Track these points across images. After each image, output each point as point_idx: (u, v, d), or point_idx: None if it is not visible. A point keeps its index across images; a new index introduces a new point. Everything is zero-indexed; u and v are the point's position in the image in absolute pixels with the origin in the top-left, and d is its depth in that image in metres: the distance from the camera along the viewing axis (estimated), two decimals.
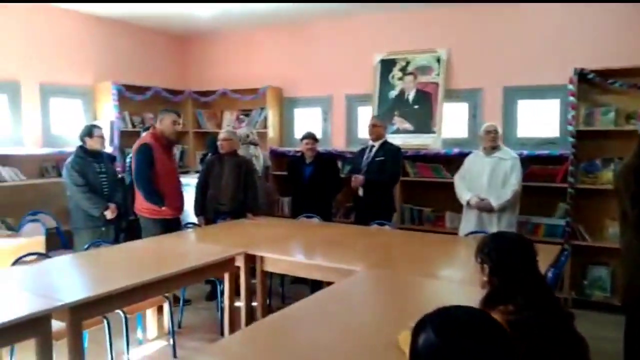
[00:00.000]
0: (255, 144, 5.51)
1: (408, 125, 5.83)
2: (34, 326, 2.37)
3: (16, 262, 3.22)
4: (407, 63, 5.86)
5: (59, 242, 5.03)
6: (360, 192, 4.82)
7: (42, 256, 3.40)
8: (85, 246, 3.77)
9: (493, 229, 4.20)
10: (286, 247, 3.71)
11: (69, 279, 3.07)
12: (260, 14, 5.98)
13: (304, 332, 2.24)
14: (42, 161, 5.40)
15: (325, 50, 6.32)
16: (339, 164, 6.04)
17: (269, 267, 3.57)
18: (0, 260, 3.57)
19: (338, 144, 6.30)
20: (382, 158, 4.80)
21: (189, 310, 4.51)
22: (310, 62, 6.43)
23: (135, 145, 4.56)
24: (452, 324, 1.01)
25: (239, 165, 4.81)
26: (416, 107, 5.80)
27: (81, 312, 2.58)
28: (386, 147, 4.89)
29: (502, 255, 1.86)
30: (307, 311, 2.50)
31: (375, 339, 2.05)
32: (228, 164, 4.76)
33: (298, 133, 6.47)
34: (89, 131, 4.49)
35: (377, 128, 4.91)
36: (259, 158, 5.49)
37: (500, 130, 4.53)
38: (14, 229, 4.74)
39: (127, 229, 4.93)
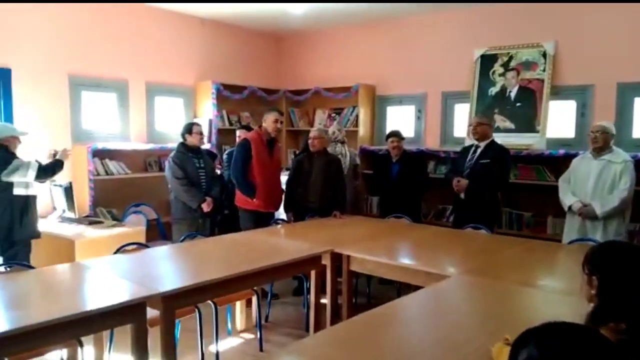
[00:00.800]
0: (342, 142, 5.48)
1: (509, 124, 5.50)
2: (130, 312, 2.49)
3: (118, 250, 3.41)
4: (510, 58, 5.53)
5: (158, 233, 5.32)
6: (462, 195, 4.60)
7: (141, 246, 3.59)
8: (182, 238, 3.93)
9: (598, 237, 3.83)
10: (373, 247, 3.62)
11: (165, 268, 3.21)
12: (354, 11, 5.93)
13: (392, 335, 2.14)
14: (146, 156, 5.75)
15: (420, 46, 6.14)
16: (432, 164, 5.85)
17: (356, 267, 3.50)
18: (106, 248, 3.83)
19: (431, 142, 6.09)
20: (488, 161, 4.46)
21: (276, 305, 4.56)
22: (404, 59, 6.28)
23: (239, 140, 4.80)
24: (558, 343, 0.88)
25: (329, 163, 4.80)
26: (518, 104, 5.46)
27: (174, 301, 2.67)
28: (493, 148, 4.55)
29: (613, 267, 1.65)
30: (395, 314, 2.41)
31: (468, 349, 1.90)
32: (318, 162, 4.76)
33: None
34: (189, 128, 4.72)
35: (483, 127, 4.58)
36: (346, 156, 5.45)
37: (612, 130, 4.10)
38: (119, 219, 5.08)
39: (222, 222, 5.12)
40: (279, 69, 7.40)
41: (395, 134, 5.11)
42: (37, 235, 4.05)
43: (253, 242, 3.80)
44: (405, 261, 3.31)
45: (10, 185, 3.86)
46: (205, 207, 4.62)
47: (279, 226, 4.54)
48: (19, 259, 3.75)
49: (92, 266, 2.99)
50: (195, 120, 5.52)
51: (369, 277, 4.67)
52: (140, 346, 2.56)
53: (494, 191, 4.58)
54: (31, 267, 3.15)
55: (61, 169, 4.16)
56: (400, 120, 6.35)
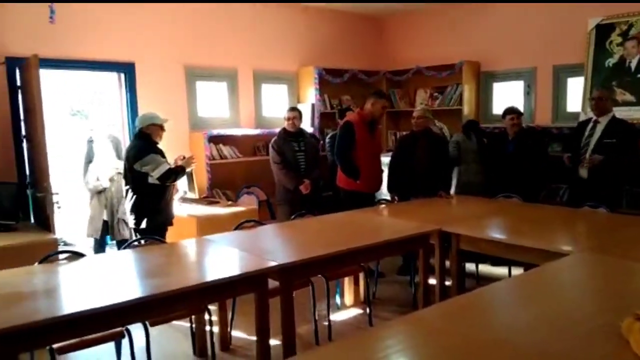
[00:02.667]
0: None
1: (629, 97, 5.10)
2: (254, 282, 2.70)
3: (237, 227, 3.67)
4: (630, 26, 5.10)
5: (267, 212, 5.61)
6: (584, 173, 4.35)
7: (257, 223, 3.82)
8: (292, 217, 4.11)
9: None
10: (484, 226, 3.56)
11: (281, 244, 3.41)
12: None
13: (507, 310, 2.13)
14: (255, 141, 6.05)
15: (529, 19, 5.84)
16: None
17: (465, 246, 3.46)
18: (223, 225, 4.16)
19: (542, 119, 5.80)
20: (614, 141, 4.19)
21: (383, 283, 4.63)
22: (512, 32, 6.01)
23: (341, 123, 4.88)
24: None
25: (433, 143, 4.76)
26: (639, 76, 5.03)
27: (291, 274, 2.84)
28: (619, 127, 4.27)
29: None
30: (510, 292, 2.38)
31: (591, 324, 1.85)
32: (422, 142, 4.74)
33: (496, 108, 6.14)
34: (286, 113, 4.93)
35: (603, 102, 4.31)
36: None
37: None
38: (233, 200, 5.42)
39: (323, 204, 5.25)
40: (379, 50, 7.38)
41: (514, 111, 4.92)
42: (170, 222, 4.16)
43: (359, 221, 3.89)
44: (519, 239, 3.21)
45: (146, 174, 3.96)
46: (303, 189, 4.79)
47: (383, 206, 4.59)
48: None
49: (216, 241, 3.26)
50: (296, 106, 5.72)
51: (477, 260, 4.59)
52: (262, 314, 2.76)
53: (621, 170, 4.30)
54: (164, 242, 3.49)
55: (183, 175, 4.21)
56: (508, 96, 6.10)
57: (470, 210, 4.21)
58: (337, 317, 3.96)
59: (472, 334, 1.84)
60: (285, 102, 6.41)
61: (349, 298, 4.22)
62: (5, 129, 4.52)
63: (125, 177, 4.11)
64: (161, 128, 4.13)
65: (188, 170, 4.28)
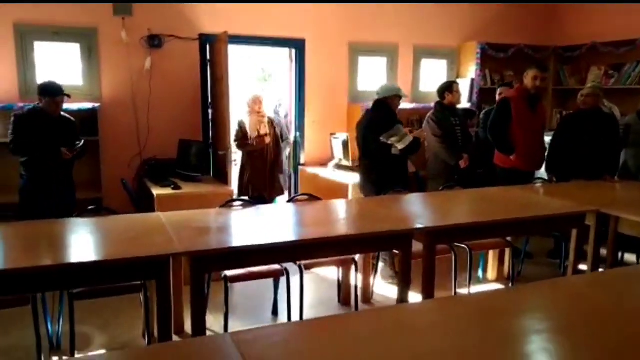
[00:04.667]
0: None
1: None
2: (400, 240, 2.93)
3: (386, 193, 3.91)
4: None
5: (415, 185, 5.75)
6: None
7: (406, 192, 4.03)
8: (440, 188, 4.23)
9: None
10: None
11: (426, 210, 3.58)
12: None
13: None
14: (410, 114, 6.19)
15: None
16: None
17: (625, 229, 3.28)
18: None
19: None
20: None
21: (530, 264, 4.53)
22: None
23: (499, 99, 4.85)
24: None
25: (602, 123, 4.46)
26: None
27: (435, 238, 3.00)
28: None
29: None
30: None
31: None
32: (589, 122, 4.46)
33: None
34: (449, 87, 4.93)
35: None
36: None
37: None
38: None
39: (476, 180, 5.24)
40: (549, 25, 6.94)
41: None
42: None
43: (510, 196, 3.87)
44: None
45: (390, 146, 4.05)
46: (462, 164, 4.83)
47: (539, 184, 4.47)
48: None
49: (366, 202, 3.55)
50: (455, 80, 5.71)
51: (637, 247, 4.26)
52: (405, 272, 2.98)
53: None
54: (319, 199, 3.88)
55: (418, 148, 4.21)
56: None
57: (637, 195, 3.92)
58: (477, 289, 4.02)
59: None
60: (444, 77, 6.42)
61: (491, 273, 4.24)
62: (196, 96, 5.29)
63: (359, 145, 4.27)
64: (399, 99, 4.23)
65: (421, 140, 4.37)
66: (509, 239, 3.82)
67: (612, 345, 1.58)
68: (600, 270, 3.49)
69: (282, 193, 5.13)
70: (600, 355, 1.53)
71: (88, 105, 4.69)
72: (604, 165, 4.43)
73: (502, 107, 4.58)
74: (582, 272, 3.52)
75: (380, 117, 4.15)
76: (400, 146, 4.02)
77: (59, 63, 4.76)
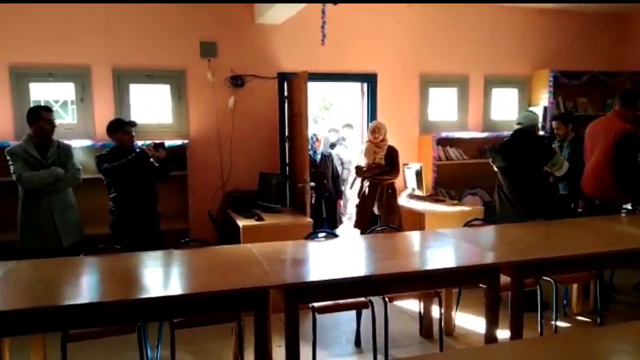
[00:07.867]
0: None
1: None
2: (486, 275, 2.95)
3: (466, 224, 3.96)
4: None
5: (489, 213, 5.72)
6: None
7: (485, 222, 4.05)
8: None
9: None
10: None
11: (511, 243, 3.47)
12: None
13: None
14: (481, 143, 6.21)
15: None
16: None
17: None
18: (449, 221, 4.63)
19: None
20: None
21: (618, 296, 4.39)
22: None
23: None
24: None
25: None
26: None
27: (524, 270, 3.01)
28: None
29: None
30: None
31: None
32: None
33: None
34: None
35: None
36: None
37: None
38: (456, 199, 5.70)
39: (558, 210, 5.10)
40: (623, 49, 6.78)
41: None
42: None
43: (597, 227, 3.80)
44: None
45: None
46: None
47: (624, 214, 4.32)
48: None
49: (447, 234, 3.61)
50: (530, 109, 5.69)
51: None
52: (493, 308, 2.97)
53: None
54: (399, 230, 3.97)
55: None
56: None
57: None
58: (562, 324, 3.95)
59: None
60: (515, 106, 6.41)
61: (576, 306, 4.15)
62: (274, 131, 5.55)
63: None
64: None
65: None
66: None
67: None
68: None
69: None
70: None
71: (178, 142, 5.05)
72: None
73: (635, 143, 4.16)
74: None
75: (545, 146, 4.32)
76: (559, 173, 4.20)
77: (152, 103, 5.19)
